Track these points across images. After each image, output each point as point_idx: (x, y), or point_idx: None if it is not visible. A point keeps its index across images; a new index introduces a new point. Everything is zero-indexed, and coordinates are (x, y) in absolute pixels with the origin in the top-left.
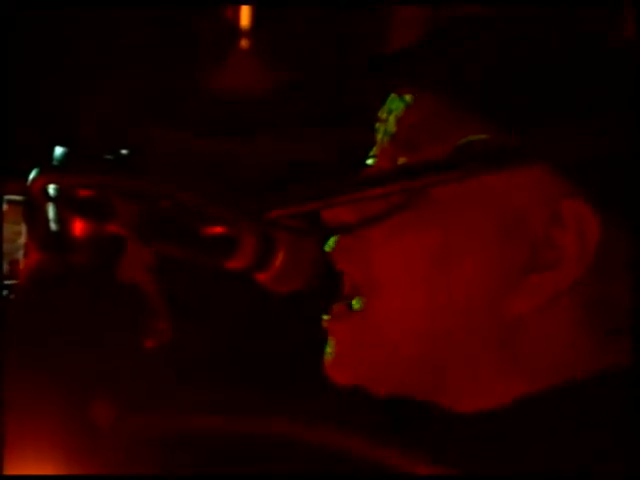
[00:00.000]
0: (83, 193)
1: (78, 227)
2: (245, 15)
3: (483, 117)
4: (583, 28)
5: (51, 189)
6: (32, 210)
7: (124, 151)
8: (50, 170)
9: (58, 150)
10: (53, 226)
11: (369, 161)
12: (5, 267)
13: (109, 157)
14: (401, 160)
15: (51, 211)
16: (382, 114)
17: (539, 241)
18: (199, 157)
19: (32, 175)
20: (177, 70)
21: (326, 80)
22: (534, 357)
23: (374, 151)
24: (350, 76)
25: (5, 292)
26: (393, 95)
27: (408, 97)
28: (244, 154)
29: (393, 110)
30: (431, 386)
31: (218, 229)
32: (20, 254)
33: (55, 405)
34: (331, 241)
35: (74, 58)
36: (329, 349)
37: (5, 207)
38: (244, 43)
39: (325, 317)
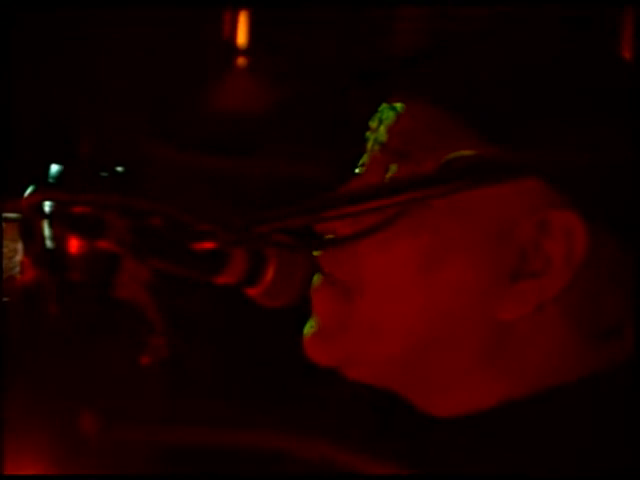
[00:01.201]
0: (78, 210)
1: (74, 244)
2: (242, 33)
3: (473, 128)
4: (576, 40)
5: (47, 206)
6: (28, 228)
7: (120, 168)
8: (45, 188)
9: (54, 168)
10: (49, 243)
11: (358, 170)
12: (1, 284)
13: (104, 174)
14: (392, 169)
15: (47, 229)
16: (373, 123)
17: (527, 249)
18: (196, 175)
19: (28, 193)
20: (175, 88)
21: (324, 97)
22: (521, 362)
23: (363, 160)
24: (348, 93)
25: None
26: (384, 104)
27: (399, 106)
28: (241, 172)
29: (384, 119)
30: (412, 385)
31: (208, 245)
32: (17, 271)
33: (47, 417)
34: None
35: (73, 75)
36: (309, 324)
37: (2, 225)
38: (241, 61)
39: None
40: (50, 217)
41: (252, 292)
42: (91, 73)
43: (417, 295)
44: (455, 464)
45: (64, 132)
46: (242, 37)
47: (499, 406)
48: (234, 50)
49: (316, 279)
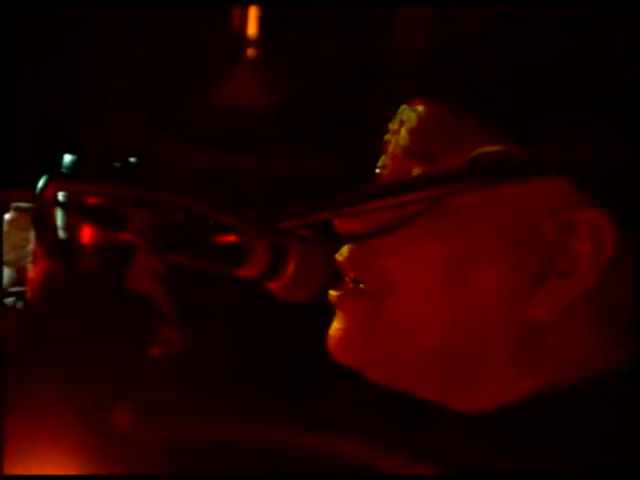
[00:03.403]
0: (91, 201)
1: (86, 234)
2: (252, 25)
3: (497, 127)
4: (600, 37)
5: (60, 196)
6: (41, 217)
7: (132, 159)
8: (61, 178)
9: (67, 158)
10: (61, 233)
11: (377, 171)
12: (13, 274)
13: (118, 165)
14: (415, 171)
15: (59, 218)
16: (393, 125)
17: (554, 249)
18: (207, 167)
19: (42, 182)
20: (180, 82)
21: (331, 93)
22: (548, 360)
23: (383, 161)
24: (355, 89)
25: (12, 299)
26: (404, 106)
27: (420, 108)
28: (252, 166)
29: (405, 121)
30: (437, 387)
31: (230, 238)
32: (28, 261)
33: (64, 409)
34: (343, 250)
35: (73, 75)
36: (336, 324)
37: (13, 214)
38: (251, 53)
39: (333, 292)
40: (64, 207)
41: (273, 286)
42: (91, 73)
43: (445, 297)
44: (481, 458)
45: (64, 131)
46: (252, 28)
47: (525, 400)
48: (244, 42)
49: (339, 281)
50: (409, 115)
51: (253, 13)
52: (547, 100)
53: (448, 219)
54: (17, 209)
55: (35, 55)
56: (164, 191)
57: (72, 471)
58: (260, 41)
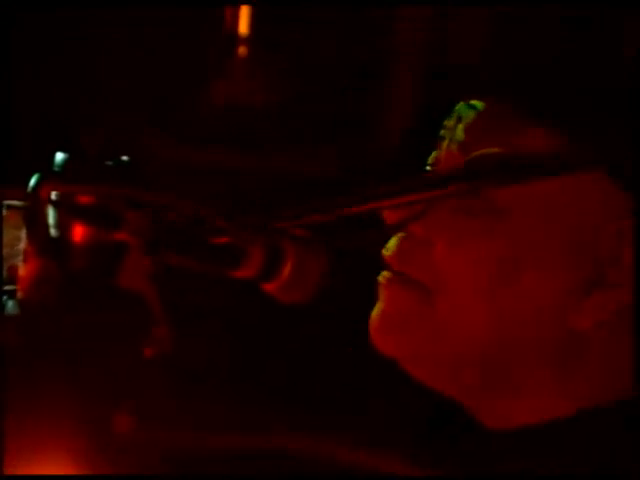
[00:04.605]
0: (84, 199)
1: (78, 233)
2: (244, 23)
3: (550, 126)
4: (600, 37)
5: (52, 194)
6: (32, 215)
7: (125, 158)
8: (53, 176)
9: (59, 156)
10: (53, 232)
11: (429, 167)
12: (4, 272)
13: (110, 164)
14: None
15: (51, 217)
16: (449, 122)
17: (605, 258)
18: (199, 167)
19: (34, 181)
20: (179, 80)
21: (331, 93)
22: (595, 373)
23: (435, 156)
24: (355, 89)
25: (3, 298)
26: (462, 103)
27: (479, 105)
28: (250, 166)
29: (463, 118)
30: (477, 392)
31: (226, 238)
32: (19, 259)
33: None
34: (390, 244)
35: (75, 66)
36: (379, 308)
37: (5, 212)
38: (242, 51)
39: (384, 274)
40: (56, 205)
41: (269, 287)
42: (91, 73)
43: (491, 299)
44: (527, 473)
45: (64, 131)
46: (244, 27)
47: (575, 415)
48: (236, 40)
49: (384, 276)
50: (467, 112)
51: (245, 12)
52: (609, 103)
53: (498, 221)
54: (9, 207)
55: (35, 55)
56: (159, 192)
57: (72, 471)
58: (259, 41)
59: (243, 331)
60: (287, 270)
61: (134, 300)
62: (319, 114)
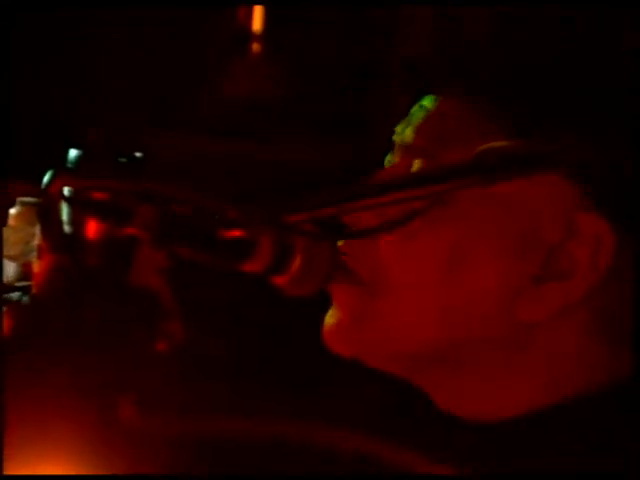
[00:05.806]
0: (97, 195)
1: (91, 229)
2: (257, 19)
3: (503, 124)
4: (604, 33)
5: (65, 191)
6: (46, 212)
7: (138, 154)
8: (67, 173)
9: (72, 153)
10: (67, 228)
11: (385, 166)
12: (19, 268)
13: (123, 160)
14: (415, 164)
15: (65, 213)
16: (399, 127)
17: (553, 251)
18: (211, 161)
19: (48, 177)
20: (189, 73)
21: (336, 86)
22: (546, 367)
23: (388, 159)
24: (355, 89)
25: (18, 294)
26: (415, 106)
27: (429, 104)
28: (257, 159)
29: (413, 119)
30: (433, 383)
31: (235, 232)
32: (33, 256)
33: (69, 404)
34: (345, 243)
35: (73, 75)
36: (330, 314)
37: (19, 208)
38: (256, 47)
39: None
40: (70, 201)
41: (278, 281)
42: (91, 73)
43: (439, 292)
44: (482, 468)
45: (64, 131)
46: (257, 23)
47: (528, 413)
48: (249, 36)
49: (337, 272)
50: (417, 114)
51: (258, 10)
52: (546, 100)
53: (446, 214)
54: (23, 204)
55: (35, 55)
56: (169, 185)
57: (73, 471)
58: (262, 39)
59: (252, 324)
60: (296, 264)
61: (146, 295)
62: (319, 114)
